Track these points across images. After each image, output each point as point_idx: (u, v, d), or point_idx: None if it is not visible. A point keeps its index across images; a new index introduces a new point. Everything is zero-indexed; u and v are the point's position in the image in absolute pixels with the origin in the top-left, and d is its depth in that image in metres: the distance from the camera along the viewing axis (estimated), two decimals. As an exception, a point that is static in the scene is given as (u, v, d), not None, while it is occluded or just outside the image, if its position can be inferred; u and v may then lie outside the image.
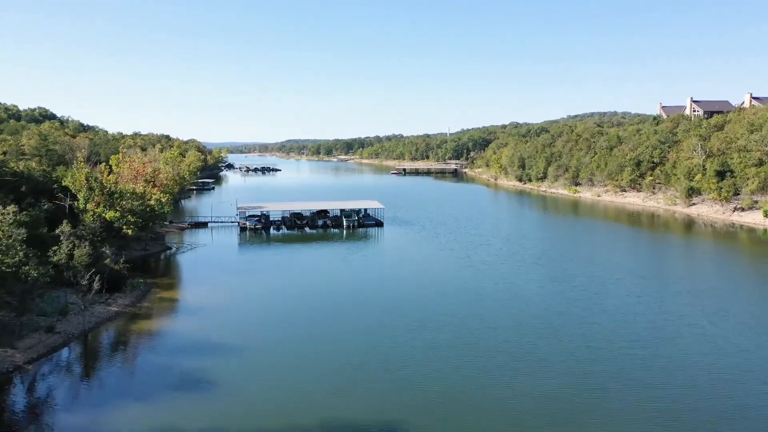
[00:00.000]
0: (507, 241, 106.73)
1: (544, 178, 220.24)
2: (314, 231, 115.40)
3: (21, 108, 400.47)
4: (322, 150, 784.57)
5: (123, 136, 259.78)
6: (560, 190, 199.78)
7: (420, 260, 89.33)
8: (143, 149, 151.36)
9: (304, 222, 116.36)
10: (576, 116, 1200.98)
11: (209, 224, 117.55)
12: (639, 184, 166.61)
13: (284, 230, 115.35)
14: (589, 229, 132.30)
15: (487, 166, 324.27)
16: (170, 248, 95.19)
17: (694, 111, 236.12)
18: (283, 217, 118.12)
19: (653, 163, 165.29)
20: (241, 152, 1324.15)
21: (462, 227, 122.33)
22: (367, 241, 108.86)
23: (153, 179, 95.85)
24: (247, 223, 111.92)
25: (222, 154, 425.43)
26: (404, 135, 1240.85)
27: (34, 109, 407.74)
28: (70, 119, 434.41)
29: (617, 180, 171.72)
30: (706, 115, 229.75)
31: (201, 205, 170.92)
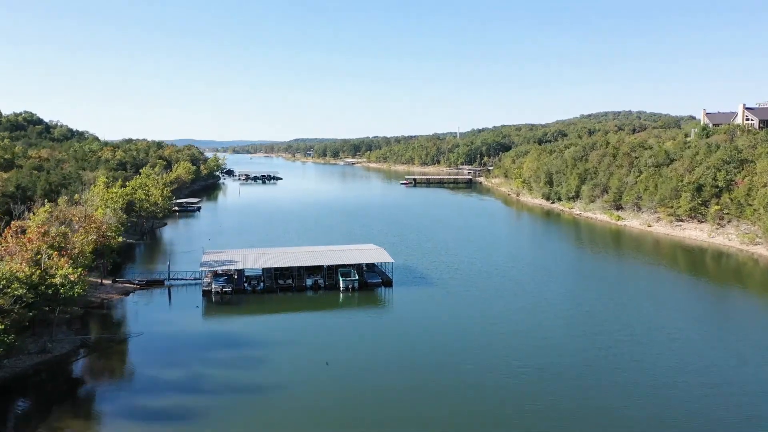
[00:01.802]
0: (565, 311, 78.94)
1: (576, 197, 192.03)
2: (303, 292, 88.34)
3: (4, 113, 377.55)
4: (329, 152, 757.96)
5: (102, 147, 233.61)
6: (598, 214, 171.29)
7: (452, 351, 62.00)
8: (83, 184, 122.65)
9: (289, 282, 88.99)
10: (590, 116, 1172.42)
11: (166, 282, 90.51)
12: (701, 214, 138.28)
13: (263, 285, 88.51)
14: (640, 273, 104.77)
15: (506, 176, 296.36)
16: (88, 342, 66.03)
17: (747, 119, 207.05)
18: (262, 275, 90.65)
19: (717, 188, 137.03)
20: (248, 152, 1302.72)
21: (493, 276, 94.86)
22: (371, 314, 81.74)
23: (62, 245, 68.15)
24: (213, 285, 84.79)
25: (220, 161, 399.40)
26: (413, 135, 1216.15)
27: (19, 114, 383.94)
28: (58, 124, 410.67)
29: (672, 207, 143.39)
30: (762, 125, 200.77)
31: (177, 237, 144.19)
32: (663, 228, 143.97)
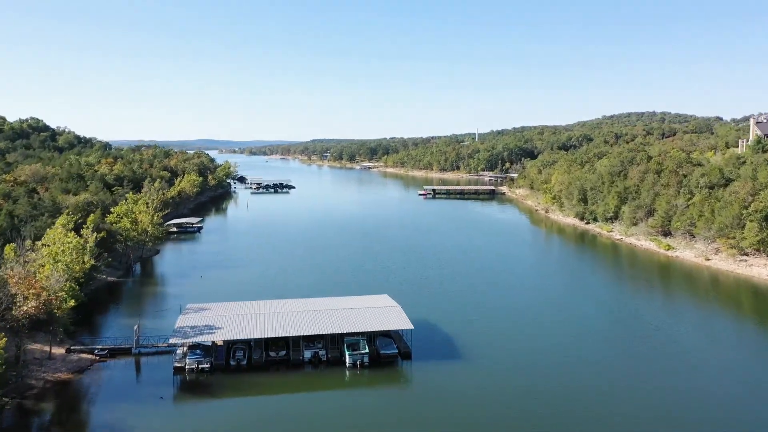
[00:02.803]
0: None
1: (615, 218, 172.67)
2: (300, 368, 71.21)
3: (10, 119, 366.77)
4: (345, 155, 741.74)
5: (100, 160, 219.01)
6: (642, 240, 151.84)
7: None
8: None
9: (283, 354, 71.79)
10: (612, 117, 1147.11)
11: (134, 350, 73.89)
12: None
13: (250, 358, 71.59)
14: (701, 321, 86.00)
15: (531, 188, 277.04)
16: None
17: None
18: (250, 343, 73.52)
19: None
20: (264, 153, 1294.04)
21: (538, 337, 76.79)
22: (385, 397, 64.46)
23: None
24: (188, 360, 68.04)
25: (231, 168, 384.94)
26: (431, 136, 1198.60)
27: (24, 120, 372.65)
28: (65, 131, 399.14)
29: (735, 238, 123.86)
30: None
31: (169, 269, 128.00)
32: (724, 262, 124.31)
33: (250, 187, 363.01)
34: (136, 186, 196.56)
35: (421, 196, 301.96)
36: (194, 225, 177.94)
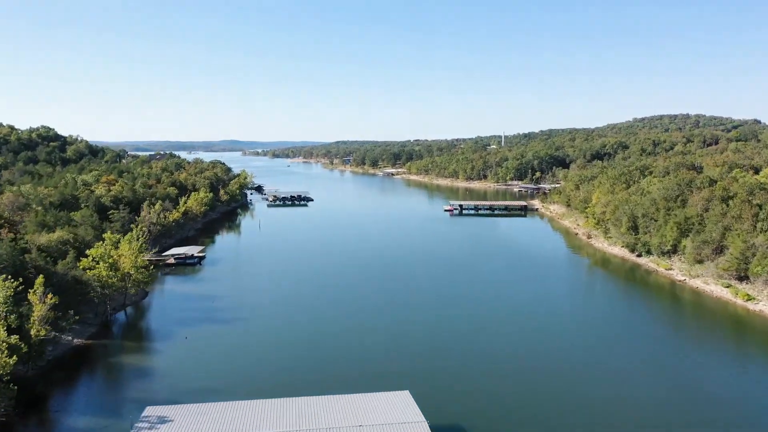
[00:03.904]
0: None
1: (674, 252, 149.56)
2: None
3: (21, 128, 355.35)
4: (368, 160, 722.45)
5: (99, 178, 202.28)
6: (712, 285, 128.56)
7: None
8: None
9: None
10: (644, 119, 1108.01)
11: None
12: None
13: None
14: None
15: (568, 205, 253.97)
16: None
17: None
18: None
19: None
20: (287, 156, 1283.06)
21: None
22: None
23: None
24: None
25: (247, 179, 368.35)
26: (456, 138, 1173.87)
27: (35, 130, 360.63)
28: (78, 139, 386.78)
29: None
30: None
31: (153, 323, 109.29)
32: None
33: (267, 199, 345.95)
34: (135, 209, 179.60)
35: (447, 212, 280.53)
36: (195, 256, 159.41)
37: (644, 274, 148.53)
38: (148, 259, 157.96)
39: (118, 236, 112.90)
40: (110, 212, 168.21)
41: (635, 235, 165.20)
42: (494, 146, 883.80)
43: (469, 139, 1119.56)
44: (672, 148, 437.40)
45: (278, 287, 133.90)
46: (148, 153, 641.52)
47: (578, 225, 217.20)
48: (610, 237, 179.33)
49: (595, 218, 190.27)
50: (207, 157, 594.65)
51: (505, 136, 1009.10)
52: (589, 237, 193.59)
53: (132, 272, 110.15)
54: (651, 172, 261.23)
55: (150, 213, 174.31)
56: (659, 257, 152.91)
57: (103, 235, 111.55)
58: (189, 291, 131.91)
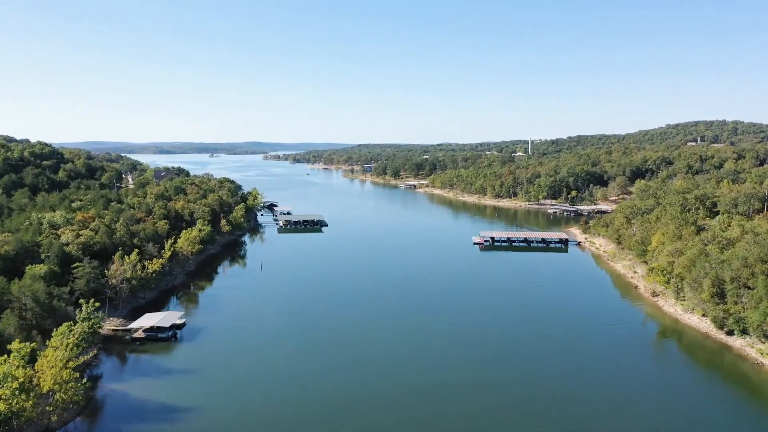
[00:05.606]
0: None
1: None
2: None
3: (17, 137, 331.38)
4: (389, 170, 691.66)
5: (71, 219, 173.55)
6: None
7: None
8: None
9: None
10: (677, 125, 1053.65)
11: None
12: None
13: None
14: None
15: (618, 242, 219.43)
16: None
17: None
18: None
19: None
20: (308, 161, 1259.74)
21: None
22: None
23: None
24: None
25: (257, 200, 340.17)
26: (481, 143, 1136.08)
27: (32, 146, 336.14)
28: (79, 154, 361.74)
29: None
30: None
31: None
32: None
33: (278, 222, 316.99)
34: (108, 257, 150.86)
35: (477, 246, 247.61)
36: (171, 326, 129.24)
37: (737, 363, 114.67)
38: (112, 329, 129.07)
39: (32, 345, 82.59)
40: (75, 265, 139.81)
41: (722, 303, 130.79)
42: (520, 153, 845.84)
43: (494, 143, 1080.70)
44: (722, 166, 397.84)
45: (274, 369, 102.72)
46: (159, 166, 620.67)
47: (635, 273, 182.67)
48: (685, 301, 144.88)
49: (662, 273, 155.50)
50: (229, 159, 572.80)
51: (532, 141, 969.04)
52: (654, 295, 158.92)
53: (56, 389, 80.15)
54: (714, 204, 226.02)
55: (124, 265, 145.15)
56: (759, 339, 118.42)
57: (9, 346, 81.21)
58: (148, 392, 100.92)
